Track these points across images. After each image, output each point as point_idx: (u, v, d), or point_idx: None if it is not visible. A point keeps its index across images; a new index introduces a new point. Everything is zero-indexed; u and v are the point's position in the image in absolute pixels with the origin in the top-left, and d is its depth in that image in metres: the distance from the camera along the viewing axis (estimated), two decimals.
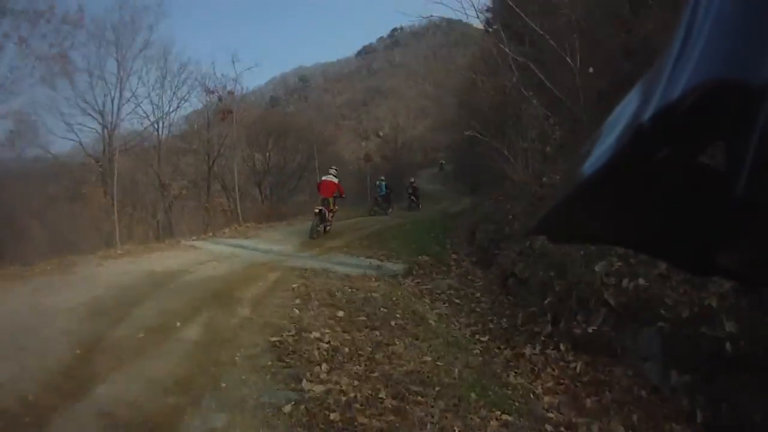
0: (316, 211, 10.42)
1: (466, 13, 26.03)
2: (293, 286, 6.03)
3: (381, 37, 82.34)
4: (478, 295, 7.27)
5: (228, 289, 5.81)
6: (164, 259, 7.63)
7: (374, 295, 5.91)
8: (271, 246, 9.57)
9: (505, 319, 5.90)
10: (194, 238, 11.18)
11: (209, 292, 5.62)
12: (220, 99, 19.57)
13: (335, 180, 11.16)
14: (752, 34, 0.43)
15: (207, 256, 8.11)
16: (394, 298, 5.99)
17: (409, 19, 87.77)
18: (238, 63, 38.84)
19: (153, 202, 20.40)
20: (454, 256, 10.14)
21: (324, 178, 11.42)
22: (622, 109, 0.53)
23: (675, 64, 0.46)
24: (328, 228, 10.77)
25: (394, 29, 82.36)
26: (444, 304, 6.64)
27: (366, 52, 78.78)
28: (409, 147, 38.75)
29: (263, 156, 23.59)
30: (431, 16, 20.68)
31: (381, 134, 48.49)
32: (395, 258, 8.69)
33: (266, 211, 18.51)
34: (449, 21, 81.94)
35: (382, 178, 18.87)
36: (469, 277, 8.47)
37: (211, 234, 12.05)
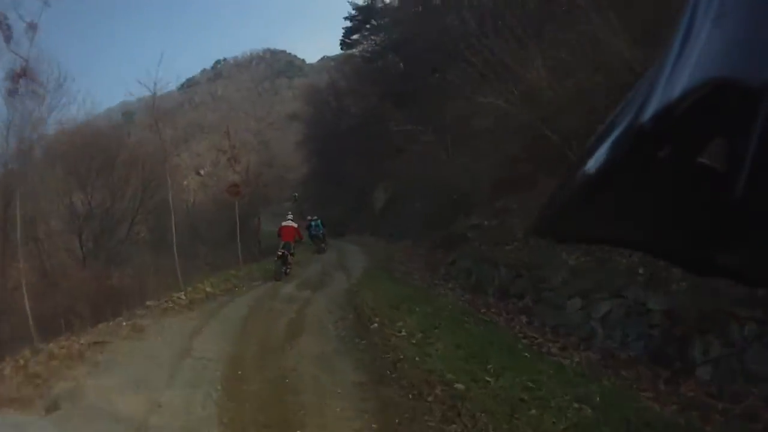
0: (279, 254, 11.04)
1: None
2: None
3: (204, 69, 79.04)
4: None
5: None
6: None
7: None
8: None
9: None
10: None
11: None
12: None
13: (294, 225, 12.17)
14: (751, 34, 0.44)
15: None
16: None
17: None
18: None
19: None
20: None
21: (284, 223, 12.17)
22: (623, 109, 0.53)
23: (675, 64, 0.47)
24: (288, 271, 11.19)
25: (217, 61, 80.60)
26: None
27: (188, 85, 74.30)
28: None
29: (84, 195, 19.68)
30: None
31: (202, 172, 46.28)
32: None
33: (87, 282, 14.10)
34: (273, 51, 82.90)
35: (315, 217, 17.70)
36: None
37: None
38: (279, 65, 79.12)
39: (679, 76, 0.46)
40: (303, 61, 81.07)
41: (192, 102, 69.75)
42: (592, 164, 0.54)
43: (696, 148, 0.47)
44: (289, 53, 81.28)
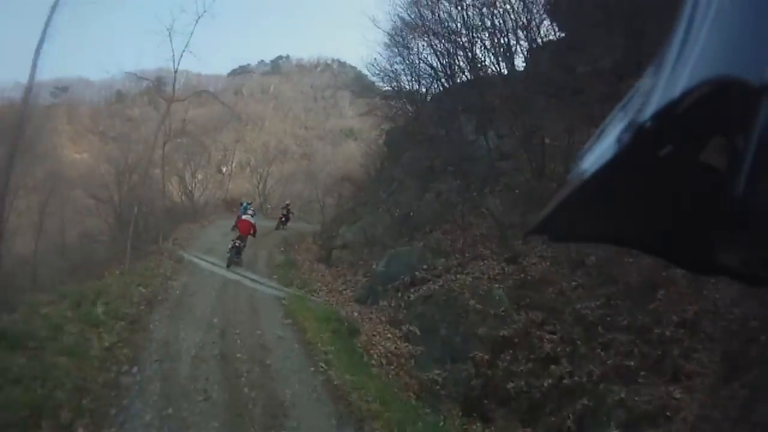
0: (233, 244, 12.48)
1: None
2: None
3: (261, 61, 71.75)
4: None
5: None
6: None
7: None
8: None
9: None
10: None
11: None
12: None
13: (252, 220, 13.38)
14: (751, 34, 0.44)
15: None
16: None
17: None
18: None
19: None
20: None
21: (243, 217, 13.65)
22: (623, 107, 0.53)
23: (675, 63, 0.47)
24: (238, 260, 12.52)
25: (279, 57, 73.51)
26: None
27: (239, 72, 66.67)
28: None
29: None
30: None
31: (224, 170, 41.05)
32: None
33: None
34: (342, 63, 74.99)
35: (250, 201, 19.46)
36: None
37: None
38: (345, 78, 70.89)
39: (679, 75, 0.46)
40: (373, 83, 72.37)
41: (239, 91, 61.37)
42: (593, 163, 0.54)
43: (697, 147, 0.48)
44: (360, 71, 73.14)
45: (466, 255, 9.95)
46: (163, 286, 10.04)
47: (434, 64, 17.24)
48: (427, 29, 16.10)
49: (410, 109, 19.86)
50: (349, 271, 12.72)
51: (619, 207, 0.57)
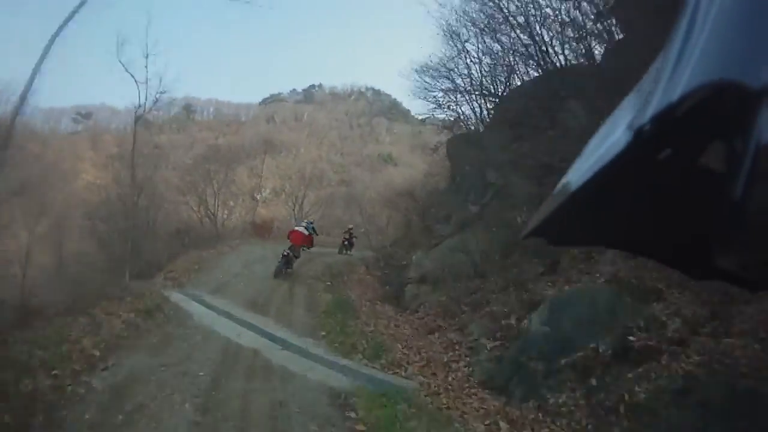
0: (284, 253, 11.65)
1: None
2: None
3: (293, 89, 70.18)
4: None
5: None
6: None
7: None
8: None
9: None
10: None
11: None
12: None
13: (305, 232, 12.48)
14: (751, 37, 0.44)
15: None
16: None
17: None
18: None
19: None
20: None
21: (296, 228, 13.03)
22: (622, 110, 0.53)
23: (674, 65, 0.47)
24: (289, 271, 11.72)
25: (312, 85, 71.81)
26: None
27: (272, 100, 65.06)
28: None
29: None
30: None
31: (258, 197, 38.17)
32: None
33: None
34: (376, 91, 73.47)
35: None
36: None
37: None
38: (380, 105, 68.36)
39: (678, 78, 0.46)
40: (408, 111, 70.25)
41: (271, 119, 59.32)
42: (591, 166, 0.53)
43: (695, 150, 0.48)
44: (394, 98, 70.55)
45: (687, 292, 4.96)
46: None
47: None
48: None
49: (484, 105, 16.03)
50: (443, 320, 7.64)
51: (617, 210, 0.56)
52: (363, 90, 71.38)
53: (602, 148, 0.51)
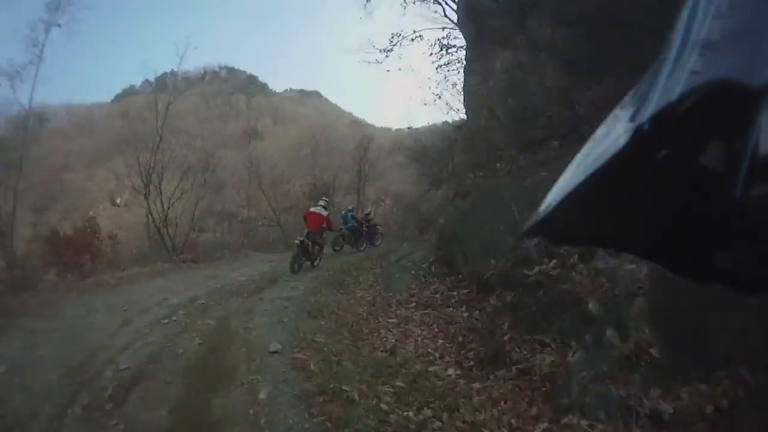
0: (297, 241, 9.96)
1: None
2: None
3: (146, 80, 68.42)
4: None
5: None
6: None
7: None
8: None
9: None
10: None
11: None
12: None
13: (324, 212, 10.68)
14: (750, 36, 0.44)
15: None
16: None
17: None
18: None
19: None
20: None
21: (312, 209, 10.94)
22: (621, 110, 0.52)
23: (674, 65, 0.46)
24: (317, 262, 10.28)
25: (164, 73, 70.06)
26: None
27: (125, 95, 63.31)
28: None
29: None
30: None
31: (119, 201, 39.16)
32: None
33: None
34: (231, 69, 73.87)
35: (350, 207, 15.26)
36: None
37: None
38: (237, 82, 69.90)
39: (677, 78, 0.46)
40: (265, 84, 72.65)
41: (125, 115, 58.73)
42: (590, 165, 0.52)
43: (695, 149, 0.48)
44: (251, 74, 72.42)
45: None
46: None
47: None
48: None
49: None
50: None
51: (615, 209, 0.56)
52: (216, 69, 71.31)
53: (601, 147, 0.51)
